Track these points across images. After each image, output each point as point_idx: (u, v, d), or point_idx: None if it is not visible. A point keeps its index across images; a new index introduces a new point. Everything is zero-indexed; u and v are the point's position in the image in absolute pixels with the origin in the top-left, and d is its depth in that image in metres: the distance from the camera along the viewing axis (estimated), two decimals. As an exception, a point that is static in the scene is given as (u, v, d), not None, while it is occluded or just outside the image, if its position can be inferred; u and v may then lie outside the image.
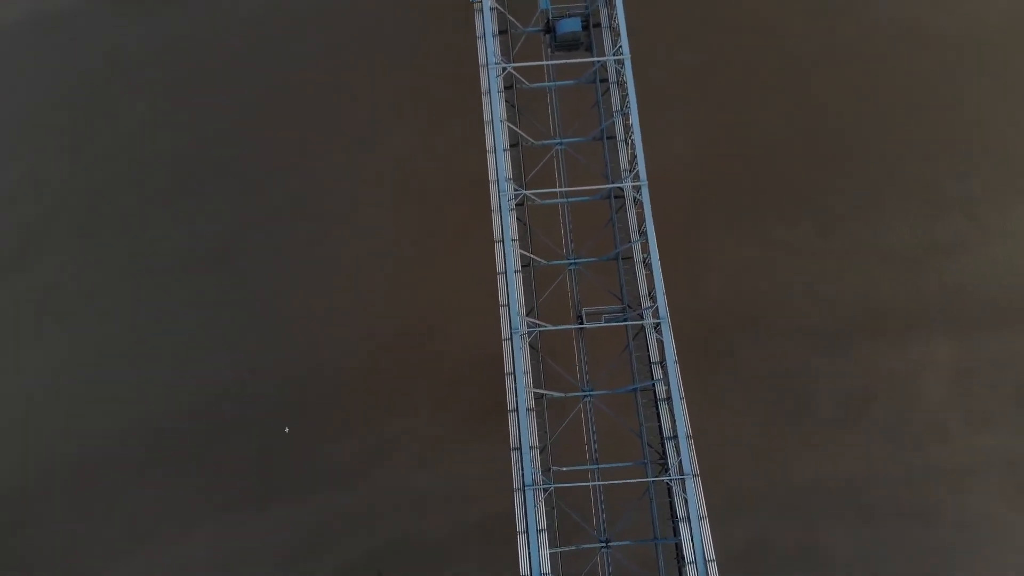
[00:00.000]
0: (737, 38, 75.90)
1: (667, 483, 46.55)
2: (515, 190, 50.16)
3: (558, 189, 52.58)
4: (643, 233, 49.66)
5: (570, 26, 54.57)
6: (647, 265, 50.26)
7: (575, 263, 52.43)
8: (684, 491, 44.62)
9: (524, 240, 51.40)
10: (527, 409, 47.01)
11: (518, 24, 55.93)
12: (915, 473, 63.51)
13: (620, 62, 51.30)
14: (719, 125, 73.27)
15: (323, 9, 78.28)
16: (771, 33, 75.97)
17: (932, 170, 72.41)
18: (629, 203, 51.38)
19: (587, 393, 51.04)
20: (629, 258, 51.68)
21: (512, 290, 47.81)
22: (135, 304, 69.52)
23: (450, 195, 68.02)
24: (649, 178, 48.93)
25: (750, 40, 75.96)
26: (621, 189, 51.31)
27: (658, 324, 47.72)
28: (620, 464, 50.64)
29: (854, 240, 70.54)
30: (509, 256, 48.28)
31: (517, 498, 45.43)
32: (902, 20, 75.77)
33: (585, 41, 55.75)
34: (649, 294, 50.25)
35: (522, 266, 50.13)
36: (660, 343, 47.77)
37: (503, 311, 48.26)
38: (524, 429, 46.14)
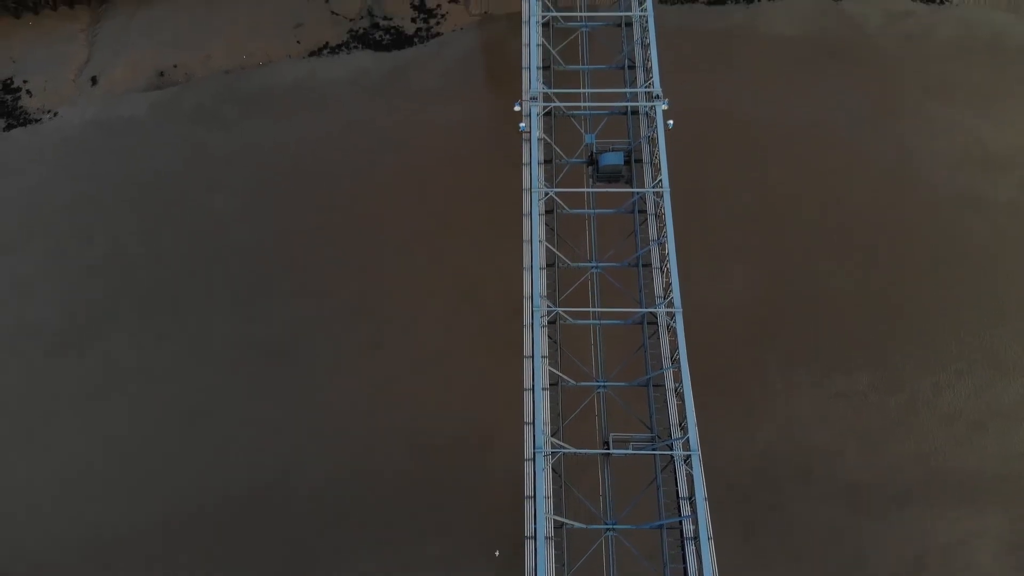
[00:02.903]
0: (804, 189, 76.87)
1: (689, 632, 43.87)
2: (548, 307, 50.47)
3: (591, 309, 52.66)
4: (676, 361, 48.98)
5: (612, 159, 56.48)
6: (679, 394, 49.08)
7: (604, 386, 51.60)
8: (707, 642, 41.97)
9: (554, 358, 51.16)
10: (545, 538, 45.37)
11: (563, 155, 57.85)
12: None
13: (659, 195, 52.28)
14: (782, 269, 72.97)
15: (396, 128, 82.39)
16: (840, 192, 76.87)
17: (998, 335, 70.53)
18: (662, 330, 50.95)
19: (610, 526, 48.76)
20: (660, 386, 50.69)
21: (538, 408, 47.12)
22: (190, 389, 70.48)
23: (507, 310, 67.94)
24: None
25: (816, 193, 76.78)
26: (655, 315, 51.01)
27: (688, 456, 46.17)
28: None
29: (915, 398, 67.97)
30: (537, 372, 47.93)
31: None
32: (963, 190, 76.71)
33: (626, 174, 57.37)
34: (680, 424, 48.87)
35: (550, 384, 49.70)
36: (690, 476, 46.07)
37: (527, 429, 47.60)
38: (541, 562, 44.28)
